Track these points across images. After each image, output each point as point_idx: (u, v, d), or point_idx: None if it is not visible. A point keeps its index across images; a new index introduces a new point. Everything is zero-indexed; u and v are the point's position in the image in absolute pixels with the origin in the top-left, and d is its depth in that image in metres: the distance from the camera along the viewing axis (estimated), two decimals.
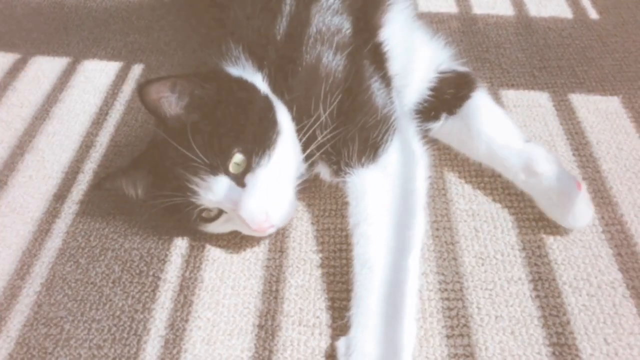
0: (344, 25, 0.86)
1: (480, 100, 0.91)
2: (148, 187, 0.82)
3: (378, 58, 0.87)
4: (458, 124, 0.89)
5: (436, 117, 0.91)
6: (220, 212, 0.78)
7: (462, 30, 1.17)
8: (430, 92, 0.91)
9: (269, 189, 0.76)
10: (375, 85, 0.82)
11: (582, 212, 0.79)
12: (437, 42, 0.96)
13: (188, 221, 0.79)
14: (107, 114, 1.08)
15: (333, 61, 0.81)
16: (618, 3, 1.20)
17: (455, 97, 0.91)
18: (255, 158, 0.75)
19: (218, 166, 0.74)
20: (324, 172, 0.84)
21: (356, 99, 0.80)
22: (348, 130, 0.79)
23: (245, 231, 0.80)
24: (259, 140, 0.76)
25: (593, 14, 1.18)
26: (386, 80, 0.85)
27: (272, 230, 0.78)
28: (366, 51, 0.86)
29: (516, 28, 1.16)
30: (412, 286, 0.72)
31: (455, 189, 0.88)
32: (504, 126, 0.87)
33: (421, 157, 0.82)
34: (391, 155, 0.80)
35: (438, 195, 0.87)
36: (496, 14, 1.20)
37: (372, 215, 0.76)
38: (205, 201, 0.76)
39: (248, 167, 0.76)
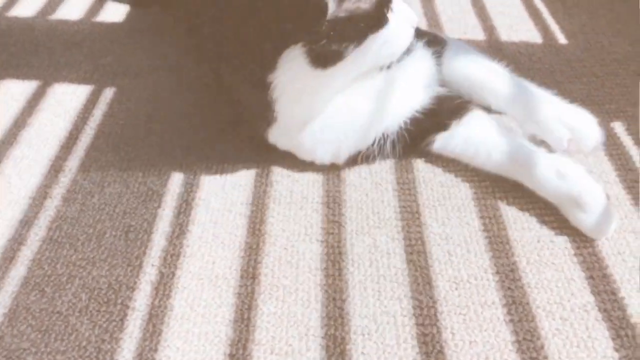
0: None
1: (480, 112, 0.95)
2: None
3: None
4: (465, 135, 0.92)
5: (441, 128, 0.94)
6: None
7: None
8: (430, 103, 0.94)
9: None
10: None
11: (605, 221, 0.82)
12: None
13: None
14: (77, 138, 1.06)
15: None
16: (584, 28, 1.23)
17: (456, 107, 0.94)
18: None
19: None
20: None
21: None
22: None
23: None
24: None
25: (562, 39, 1.21)
26: None
27: None
28: None
29: (487, 52, 1.17)
30: None
31: (428, 212, 0.88)
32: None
33: None
34: None
35: (412, 218, 0.87)
36: (467, 38, 1.22)
37: None
38: None
39: None
